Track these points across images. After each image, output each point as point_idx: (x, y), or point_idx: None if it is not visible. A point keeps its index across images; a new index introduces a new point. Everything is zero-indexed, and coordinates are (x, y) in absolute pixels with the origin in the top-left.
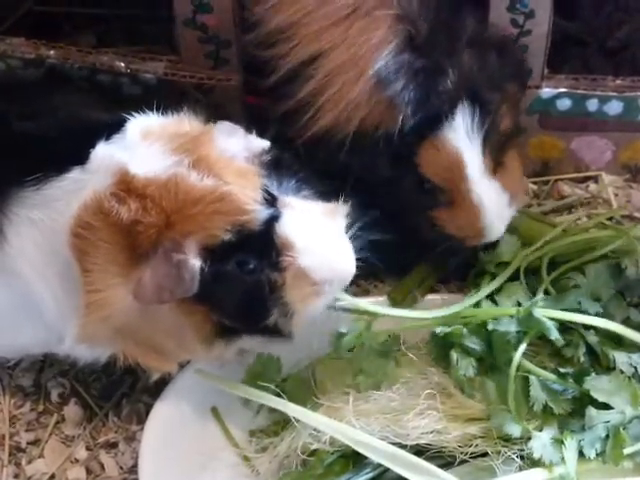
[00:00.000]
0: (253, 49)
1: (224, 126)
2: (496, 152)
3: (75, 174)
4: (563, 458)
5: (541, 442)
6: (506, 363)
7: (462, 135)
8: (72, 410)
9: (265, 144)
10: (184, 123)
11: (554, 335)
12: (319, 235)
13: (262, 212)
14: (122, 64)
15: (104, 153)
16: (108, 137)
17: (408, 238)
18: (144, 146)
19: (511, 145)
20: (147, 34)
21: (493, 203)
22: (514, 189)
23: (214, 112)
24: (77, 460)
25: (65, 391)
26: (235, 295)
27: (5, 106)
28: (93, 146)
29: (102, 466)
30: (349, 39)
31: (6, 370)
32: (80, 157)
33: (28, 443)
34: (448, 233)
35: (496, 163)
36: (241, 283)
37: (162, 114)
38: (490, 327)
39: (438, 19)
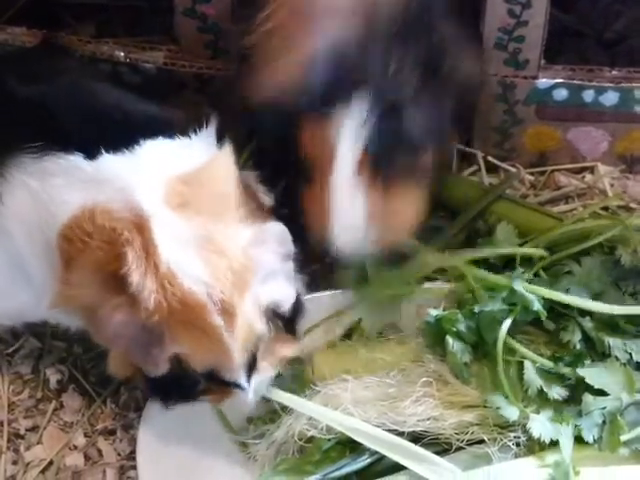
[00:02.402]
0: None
1: (277, 232)
2: (384, 172)
3: (77, 162)
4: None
5: (539, 421)
6: (494, 343)
7: (348, 125)
8: (70, 397)
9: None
10: (220, 170)
11: (536, 307)
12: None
13: (241, 375)
14: (122, 53)
15: (120, 174)
16: (119, 132)
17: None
18: (173, 212)
19: (417, 182)
20: (147, 24)
21: (347, 206)
22: (383, 222)
23: (213, 102)
24: (75, 447)
25: (64, 378)
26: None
27: (5, 68)
28: (100, 134)
29: (100, 452)
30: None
31: (5, 357)
32: (83, 140)
33: (27, 430)
34: (306, 216)
35: (378, 184)
36: (188, 387)
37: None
38: (476, 310)
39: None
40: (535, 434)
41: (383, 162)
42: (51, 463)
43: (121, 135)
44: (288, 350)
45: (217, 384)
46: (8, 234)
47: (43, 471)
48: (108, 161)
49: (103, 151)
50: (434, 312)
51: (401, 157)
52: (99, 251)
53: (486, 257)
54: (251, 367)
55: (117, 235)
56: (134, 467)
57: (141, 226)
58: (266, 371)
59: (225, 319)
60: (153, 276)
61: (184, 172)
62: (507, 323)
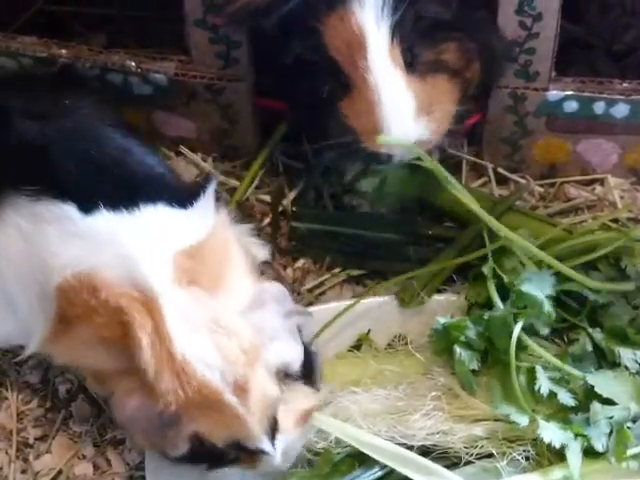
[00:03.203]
0: None
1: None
2: (415, 62)
3: (70, 212)
4: (575, 435)
5: (549, 429)
6: (506, 348)
7: (369, 13)
8: (79, 407)
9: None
10: (220, 240)
11: (547, 309)
12: None
13: (264, 442)
14: (133, 63)
15: (120, 240)
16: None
17: (313, 128)
18: (181, 291)
19: (448, 77)
20: (157, 35)
21: (392, 96)
22: (427, 103)
23: (224, 113)
24: (84, 456)
25: (72, 388)
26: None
27: (11, 98)
28: (96, 186)
29: (109, 462)
30: None
31: (14, 367)
32: (78, 190)
33: (36, 439)
34: (350, 127)
35: (412, 67)
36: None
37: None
38: (486, 317)
39: None
40: (546, 440)
41: (406, 44)
42: (60, 472)
43: (117, 192)
44: (309, 402)
45: (245, 452)
46: None
47: None
48: (105, 219)
49: (100, 206)
50: (442, 319)
51: (428, 41)
52: (105, 328)
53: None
54: (273, 431)
55: (126, 316)
56: (143, 477)
57: (151, 307)
58: (291, 431)
59: (239, 396)
60: (169, 366)
61: (187, 246)
62: (519, 325)
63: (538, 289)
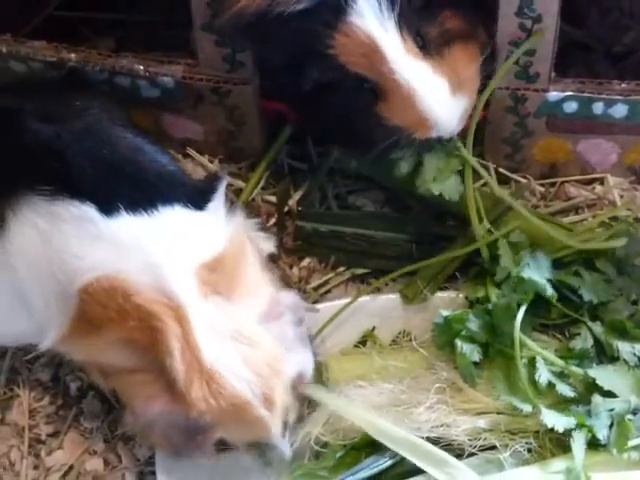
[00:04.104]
0: None
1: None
2: (426, 43)
3: (89, 214)
4: (576, 426)
5: (552, 414)
6: (509, 337)
7: (372, 19)
8: (90, 403)
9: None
10: (239, 248)
11: (549, 292)
12: None
13: (279, 439)
14: (141, 67)
15: (145, 247)
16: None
17: (364, 144)
18: (206, 303)
19: (461, 43)
20: (165, 39)
21: (425, 84)
22: (456, 76)
23: (231, 115)
24: (95, 452)
25: (83, 385)
26: None
27: (23, 102)
28: (111, 185)
29: (119, 458)
30: None
31: (25, 365)
32: (93, 189)
33: (47, 435)
34: (395, 126)
35: (426, 49)
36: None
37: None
38: (490, 307)
39: None
40: (549, 425)
41: (420, 32)
42: (71, 468)
43: (134, 192)
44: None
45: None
46: (11, 268)
47: (64, 476)
48: (126, 223)
49: (120, 208)
50: (445, 312)
51: (428, 18)
52: (133, 332)
53: None
54: (285, 428)
55: (157, 322)
56: (153, 472)
57: (179, 316)
58: (291, 414)
59: (268, 408)
60: (198, 374)
61: (210, 256)
62: (522, 310)
63: (538, 274)
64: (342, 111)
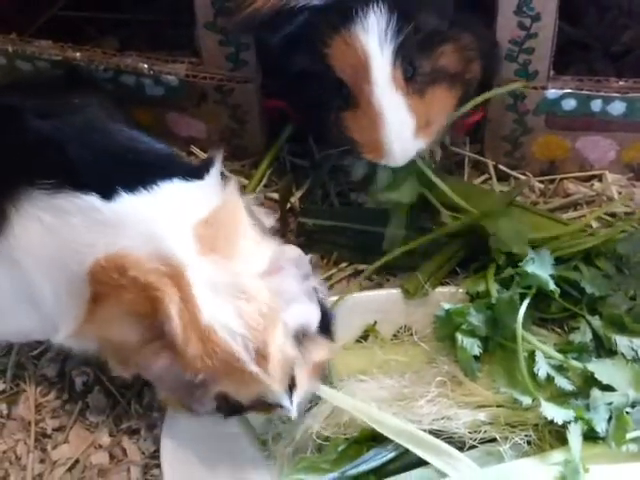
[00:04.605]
0: None
1: (294, 256)
2: (415, 75)
3: (93, 202)
4: (575, 418)
5: (552, 407)
6: (510, 330)
7: (373, 37)
8: (96, 398)
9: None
10: (233, 207)
11: (552, 287)
12: None
13: (284, 398)
14: (145, 65)
15: (143, 219)
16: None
17: (318, 134)
18: (204, 260)
19: (447, 83)
20: (169, 38)
21: (394, 117)
22: (426, 121)
23: (233, 114)
24: (100, 446)
25: (89, 380)
26: None
27: (23, 99)
28: (113, 173)
29: (124, 451)
30: None
31: (31, 360)
32: (96, 179)
33: (53, 429)
34: (352, 138)
35: (412, 85)
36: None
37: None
38: (494, 301)
39: None
40: (548, 417)
41: (407, 64)
42: (77, 462)
43: (134, 175)
44: (321, 354)
45: (264, 404)
46: (16, 263)
47: (69, 469)
48: (127, 202)
49: (121, 191)
50: (446, 305)
51: (427, 51)
52: (135, 304)
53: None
54: (291, 387)
55: (154, 291)
56: (158, 465)
57: (178, 279)
58: (305, 382)
59: (261, 363)
60: (196, 333)
61: (205, 215)
62: (525, 303)
63: (541, 269)
64: (316, 104)
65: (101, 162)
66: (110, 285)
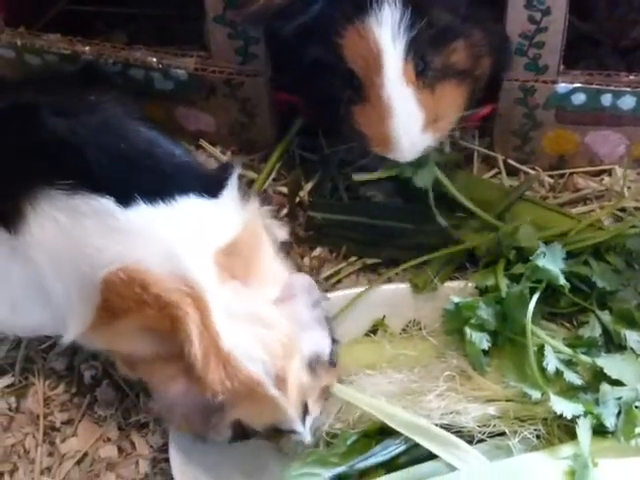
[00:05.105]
0: None
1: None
2: (426, 70)
3: (109, 207)
4: (585, 412)
5: (561, 401)
6: (520, 325)
7: (386, 29)
8: (104, 392)
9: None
10: (254, 233)
11: (562, 281)
12: None
13: (298, 424)
14: (154, 59)
15: (162, 236)
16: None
17: (327, 125)
18: (224, 287)
19: (457, 79)
20: (177, 32)
21: (403, 111)
22: (436, 116)
23: (243, 107)
24: (109, 439)
25: (97, 373)
26: None
27: (40, 95)
28: (129, 178)
29: (133, 445)
30: None
31: (40, 354)
32: (112, 182)
33: (62, 423)
34: (360, 131)
35: (422, 80)
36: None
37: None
38: (503, 295)
39: None
40: (557, 412)
41: (419, 60)
42: (86, 455)
43: (152, 183)
44: (328, 379)
45: (277, 431)
46: (30, 260)
47: (78, 462)
48: (144, 213)
49: (138, 199)
50: (456, 299)
51: (439, 47)
52: (154, 320)
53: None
54: (304, 413)
55: (176, 310)
56: (166, 459)
57: (198, 302)
58: (316, 408)
59: (280, 387)
60: (215, 358)
61: (226, 241)
62: (535, 297)
63: (552, 263)
64: (327, 97)
65: (117, 166)
66: (130, 299)
